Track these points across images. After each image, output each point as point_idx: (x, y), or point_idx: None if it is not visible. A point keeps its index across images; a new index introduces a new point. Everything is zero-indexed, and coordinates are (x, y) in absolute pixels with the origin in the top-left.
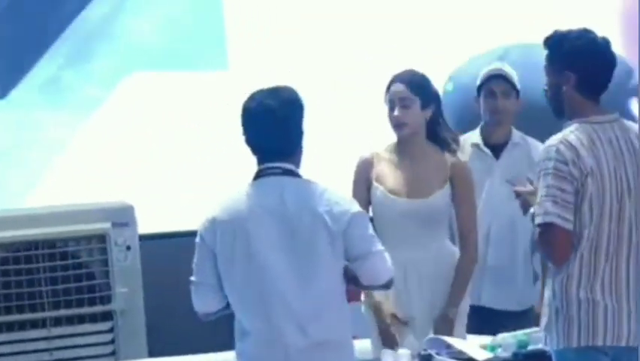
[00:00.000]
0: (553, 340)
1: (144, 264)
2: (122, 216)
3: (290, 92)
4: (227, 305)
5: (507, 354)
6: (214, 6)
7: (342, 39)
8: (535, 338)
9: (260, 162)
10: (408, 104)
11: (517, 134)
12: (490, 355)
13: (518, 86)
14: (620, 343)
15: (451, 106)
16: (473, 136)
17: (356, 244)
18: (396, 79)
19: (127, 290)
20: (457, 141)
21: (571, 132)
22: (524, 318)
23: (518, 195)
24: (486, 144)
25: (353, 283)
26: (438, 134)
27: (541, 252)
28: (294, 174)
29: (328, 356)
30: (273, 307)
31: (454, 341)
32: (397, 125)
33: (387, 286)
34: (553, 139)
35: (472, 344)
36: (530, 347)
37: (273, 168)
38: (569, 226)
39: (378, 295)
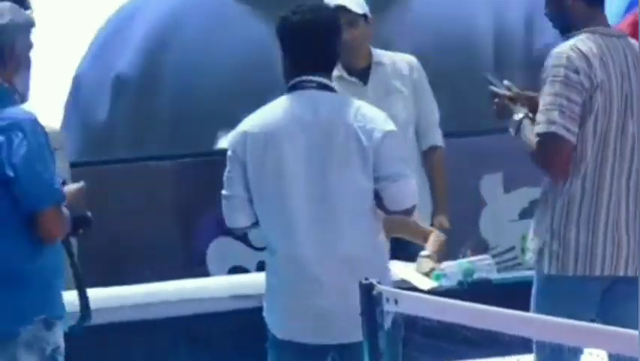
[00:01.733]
0: (544, 263)
1: None
2: (52, 143)
3: (329, 10)
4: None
5: (452, 283)
6: None
7: None
8: (481, 266)
9: (296, 75)
10: None
11: (377, 54)
12: (434, 284)
13: (362, 11)
14: (618, 273)
15: None
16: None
17: (385, 164)
18: None
19: None
20: None
21: (581, 41)
22: None
23: (496, 96)
24: (350, 73)
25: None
26: None
27: (540, 164)
28: (330, 89)
29: (356, 272)
30: (298, 223)
31: (398, 270)
32: None
33: (408, 212)
34: (562, 46)
35: (415, 272)
36: (476, 276)
37: (309, 81)
38: (574, 139)
39: None
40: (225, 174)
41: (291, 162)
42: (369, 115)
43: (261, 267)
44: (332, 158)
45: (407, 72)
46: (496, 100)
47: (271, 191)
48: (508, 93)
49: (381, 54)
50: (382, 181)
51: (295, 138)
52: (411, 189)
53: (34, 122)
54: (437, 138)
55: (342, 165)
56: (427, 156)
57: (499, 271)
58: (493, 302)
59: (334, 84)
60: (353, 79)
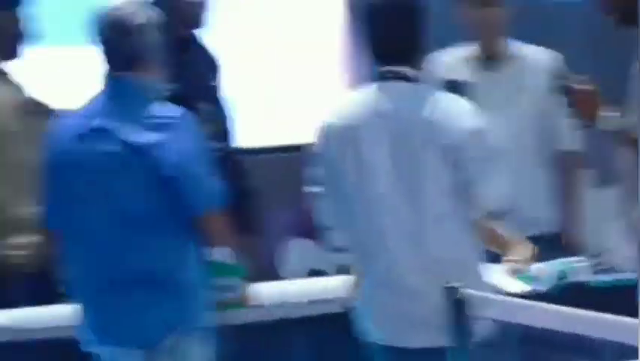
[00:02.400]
0: None
1: None
2: None
3: None
4: None
5: (543, 286)
6: None
7: None
8: (576, 268)
9: (380, 64)
10: None
11: (514, 45)
12: (525, 287)
13: None
14: None
15: None
16: (467, 50)
17: (468, 163)
18: None
19: None
20: None
21: None
22: (553, 242)
23: (573, 92)
24: (482, 57)
25: None
26: None
27: None
28: (415, 80)
29: (446, 273)
30: (381, 222)
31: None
32: None
33: (493, 216)
34: None
35: (503, 274)
36: (570, 278)
37: (393, 71)
38: None
39: None
40: (310, 169)
41: (371, 161)
42: (455, 110)
43: (340, 270)
44: (413, 156)
45: (547, 68)
46: (579, 96)
47: (352, 190)
48: (589, 87)
49: (518, 46)
50: (464, 182)
51: (375, 135)
52: (495, 191)
53: (189, 119)
54: (575, 142)
55: (424, 163)
56: (562, 161)
57: (595, 273)
58: (588, 307)
59: (463, 65)
60: (486, 66)
